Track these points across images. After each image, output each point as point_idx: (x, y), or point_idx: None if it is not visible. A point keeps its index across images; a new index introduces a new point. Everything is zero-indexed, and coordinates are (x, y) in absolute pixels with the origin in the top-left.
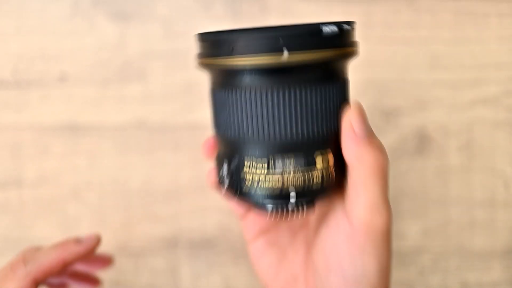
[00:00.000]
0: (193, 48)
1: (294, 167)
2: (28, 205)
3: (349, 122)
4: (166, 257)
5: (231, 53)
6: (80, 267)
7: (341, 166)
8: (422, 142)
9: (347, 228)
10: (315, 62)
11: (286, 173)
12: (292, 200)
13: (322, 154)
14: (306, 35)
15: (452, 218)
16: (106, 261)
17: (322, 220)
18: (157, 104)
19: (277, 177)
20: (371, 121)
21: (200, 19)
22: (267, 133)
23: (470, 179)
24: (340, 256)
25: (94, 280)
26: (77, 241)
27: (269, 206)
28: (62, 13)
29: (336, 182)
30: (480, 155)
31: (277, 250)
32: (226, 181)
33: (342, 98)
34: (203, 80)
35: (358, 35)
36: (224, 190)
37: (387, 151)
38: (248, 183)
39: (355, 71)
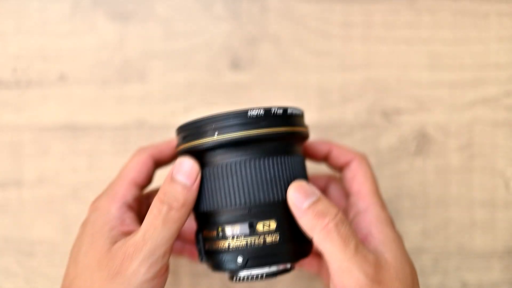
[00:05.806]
0: (193, 48)
1: (239, 234)
2: (28, 205)
3: (291, 201)
4: None
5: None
6: None
7: (294, 233)
8: (422, 142)
9: None
10: (239, 140)
11: (231, 239)
12: (240, 263)
13: (263, 222)
14: (232, 119)
15: (452, 218)
16: None
17: None
18: (157, 104)
19: (224, 243)
20: (371, 121)
21: (200, 19)
22: (212, 205)
23: (470, 179)
24: None
25: None
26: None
27: (227, 270)
28: (62, 13)
29: (289, 248)
30: (480, 155)
31: None
32: (198, 251)
33: (283, 172)
34: (203, 80)
35: (358, 35)
36: (200, 259)
37: (387, 151)
38: (208, 251)
39: (355, 71)
